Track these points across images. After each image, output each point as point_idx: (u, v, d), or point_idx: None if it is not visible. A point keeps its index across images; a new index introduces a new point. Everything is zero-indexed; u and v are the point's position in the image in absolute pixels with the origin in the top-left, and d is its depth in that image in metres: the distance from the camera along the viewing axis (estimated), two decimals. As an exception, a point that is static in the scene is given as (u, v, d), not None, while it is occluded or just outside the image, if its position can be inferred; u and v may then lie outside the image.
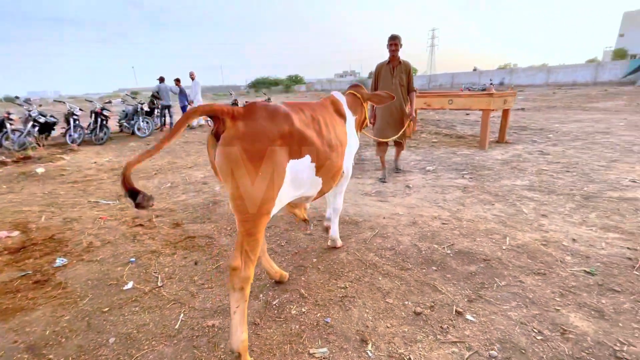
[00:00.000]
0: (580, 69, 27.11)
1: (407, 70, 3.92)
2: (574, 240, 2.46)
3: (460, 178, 4.06)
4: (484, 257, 2.27)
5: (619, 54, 37.13)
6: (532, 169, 4.30)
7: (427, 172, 4.39)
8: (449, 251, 2.37)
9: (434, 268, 2.19)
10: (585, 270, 2.08)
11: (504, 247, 2.39)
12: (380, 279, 2.10)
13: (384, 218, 3.00)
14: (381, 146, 4.15)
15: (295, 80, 60.45)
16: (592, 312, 1.73)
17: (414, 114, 3.98)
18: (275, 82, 57.64)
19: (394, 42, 3.81)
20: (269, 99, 10.92)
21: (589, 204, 3.07)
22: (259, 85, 55.32)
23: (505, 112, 6.04)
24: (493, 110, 5.51)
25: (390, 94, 2.41)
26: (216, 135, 1.40)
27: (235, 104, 10.34)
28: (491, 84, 19.92)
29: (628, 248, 2.31)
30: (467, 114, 10.37)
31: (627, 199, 3.12)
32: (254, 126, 1.40)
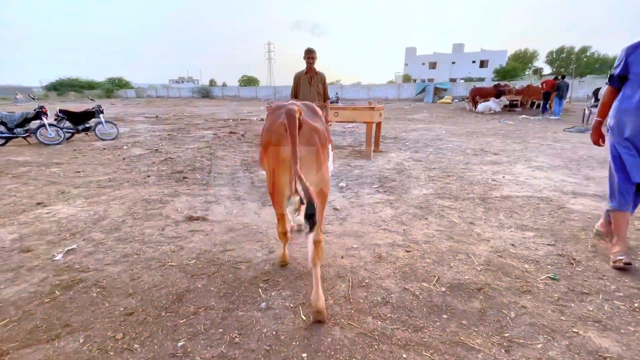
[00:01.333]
0: (388, 87, 34.48)
1: (323, 81, 4.53)
2: (513, 245, 2.67)
3: (376, 193, 3.99)
4: (474, 286, 2.10)
5: (406, 78, 49.83)
6: (422, 176, 4.74)
7: (343, 189, 4.14)
8: (442, 289, 2.08)
9: (445, 316, 1.84)
10: (550, 277, 2.22)
11: (478, 269, 2.31)
12: (404, 355, 1.57)
13: (342, 257, 2.47)
14: None
15: (118, 84, 50.67)
16: (597, 325, 1.78)
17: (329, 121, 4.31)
18: (90, 85, 46.48)
19: (310, 55, 4.45)
20: (98, 106, 8.35)
21: (489, 206, 3.52)
22: (63, 87, 43.27)
23: (378, 124, 6.62)
24: (374, 122, 5.89)
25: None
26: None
27: (100, 111, 8.33)
28: (337, 97, 22.43)
29: (551, 245, 2.67)
30: (330, 124, 11.07)
31: (507, 197, 3.78)
32: None
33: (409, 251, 2.55)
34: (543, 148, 6.89)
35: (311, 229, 1.45)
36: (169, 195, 3.88)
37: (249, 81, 64.10)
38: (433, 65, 50.73)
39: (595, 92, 17.37)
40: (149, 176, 4.77)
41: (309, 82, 4.61)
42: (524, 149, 6.81)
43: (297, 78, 4.72)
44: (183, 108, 21.06)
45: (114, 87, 47.51)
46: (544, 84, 14.41)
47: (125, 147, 7.14)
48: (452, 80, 40.25)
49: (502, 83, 19.99)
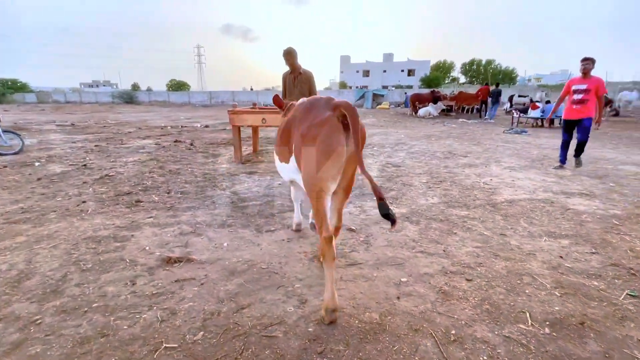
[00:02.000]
0: (330, 93, 34.97)
1: (307, 80, 4.25)
2: (562, 257, 2.44)
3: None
4: (574, 320, 1.75)
5: (342, 85, 51.37)
6: (415, 182, 4.44)
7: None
8: (545, 330, 1.68)
9: (577, 372, 1.43)
10: (629, 294, 1.99)
11: (557, 294, 1.98)
12: None
13: (398, 298, 1.93)
14: None
15: (12, 86, 42.65)
16: None
17: None
18: (-29, 88, 38.22)
19: (285, 57, 4.24)
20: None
21: (503, 213, 3.33)
22: None
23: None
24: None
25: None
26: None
27: None
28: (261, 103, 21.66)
29: (595, 253, 2.50)
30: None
31: (512, 202, 3.66)
32: None
33: (470, 279, 2.13)
34: (500, 149, 7.27)
35: (393, 224, 1.62)
36: (126, 228, 2.88)
37: (178, 86, 59.46)
38: (366, 73, 53.27)
39: (510, 98, 19.73)
40: (84, 202, 3.60)
41: (293, 83, 4.40)
42: (485, 150, 7.09)
43: (285, 78, 4.55)
44: (105, 114, 18.20)
45: (6, 90, 39.61)
46: (480, 92, 15.80)
47: (37, 164, 5.54)
48: (385, 87, 42.67)
49: (436, 90, 21.56)
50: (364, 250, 2.55)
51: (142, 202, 3.60)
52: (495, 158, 6.22)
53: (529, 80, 50.97)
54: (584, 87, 4.81)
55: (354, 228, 2.92)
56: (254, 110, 5.92)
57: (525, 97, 18.58)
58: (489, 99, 14.76)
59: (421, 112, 16.55)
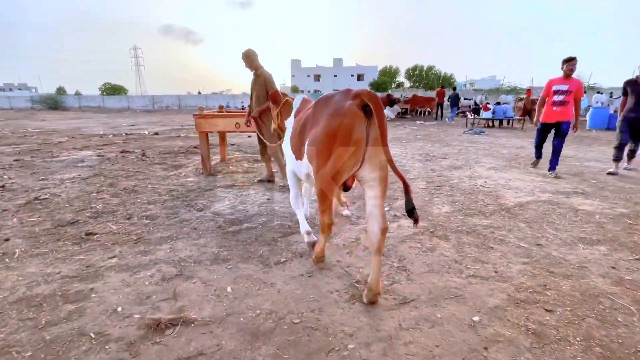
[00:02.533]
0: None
1: (263, 82, 3.98)
2: (615, 268, 2.23)
3: (397, 219, 3.12)
4: (693, 353, 1.47)
5: (294, 89, 51.06)
6: (417, 190, 4.13)
7: (352, 218, 3.09)
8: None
9: None
10: None
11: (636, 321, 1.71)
12: None
13: (486, 349, 1.49)
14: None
15: None
16: None
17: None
18: None
19: (244, 60, 4.06)
20: None
21: (522, 219, 3.12)
22: None
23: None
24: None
25: None
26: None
27: None
28: (227, 106, 20.56)
29: (637, 259, 2.34)
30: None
31: (522, 205, 3.49)
32: None
33: (551, 310, 1.78)
34: (471, 149, 7.39)
35: (415, 222, 1.76)
36: (80, 279, 2.06)
37: (113, 90, 54.05)
38: (318, 77, 53.64)
39: (453, 101, 20.75)
40: (6, 240, 2.64)
41: (253, 84, 4.14)
42: (459, 151, 7.14)
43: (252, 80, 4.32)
44: (24, 122, 15.48)
45: None
46: (438, 94, 16.40)
47: None
48: (336, 89, 43.15)
49: (390, 93, 22.17)
50: (406, 280, 2.09)
51: (95, 234, 2.74)
52: (473, 159, 6.24)
53: (465, 85, 55.54)
54: (565, 87, 4.63)
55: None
56: (225, 114, 5.18)
57: (469, 99, 19.89)
58: (448, 102, 15.43)
59: (380, 115, 16.77)
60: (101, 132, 10.87)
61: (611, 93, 22.37)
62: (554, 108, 4.76)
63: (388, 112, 16.78)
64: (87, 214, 3.21)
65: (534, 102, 14.92)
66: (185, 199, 3.71)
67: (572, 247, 2.56)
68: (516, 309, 1.79)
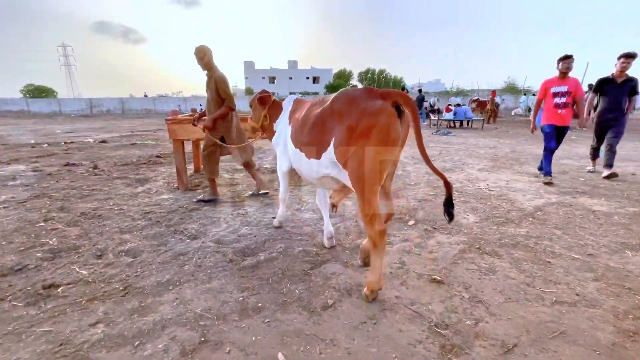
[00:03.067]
0: (241, 99, 32.95)
1: (215, 85, 3.44)
2: (680, 277, 2.10)
3: (429, 233, 2.78)
4: None
5: (249, 92, 49.59)
6: (428, 197, 3.86)
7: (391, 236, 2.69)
8: None
9: None
10: None
11: None
12: None
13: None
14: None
15: None
16: None
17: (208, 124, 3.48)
18: None
19: (196, 56, 3.48)
20: None
21: (551, 224, 2.97)
22: None
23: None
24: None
25: None
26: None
27: None
28: (180, 109, 18.99)
29: (694, 265, 2.26)
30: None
31: (540, 209, 3.38)
32: None
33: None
34: (451, 150, 7.43)
35: (450, 220, 1.78)
36: (50, 367, 1.38)
37: (39, 91, 47.70)
38: (272, 80, 52.63)
39: (419, 103, 21.50)
40: None
41: (207, 85, 3.57)
42: (439, 153, 7.12)
43: None
44: None
45: None
46: None
47: None
48: (292, 93, 42.81)
49: None
50: (489, 315, 1.74)
51: (57, 286, 1.99)
52: (458, 160, 6.22)
53: (412, 88, 58.60)
54: (564, 89, 4.32)
55: (439, 278, 2.07)
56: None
57: (426, 102, 20.71)
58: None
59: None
60: (32, 141, 9.19)
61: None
62: (559, 111, 4.38)
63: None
64: (38, 254, 2.40)
65: (493, 102, 15.83)
66: (170, 224, 3.01)
67: (620, 254, 2.42)
68: (634, 344, 1.53)
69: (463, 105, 15.15)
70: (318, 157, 2.01)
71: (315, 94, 40.84)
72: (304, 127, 2.11)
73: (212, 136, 3.49)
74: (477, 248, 2.50)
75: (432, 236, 2.74)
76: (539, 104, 4.79)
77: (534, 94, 26.13)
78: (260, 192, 3.92)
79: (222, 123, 3.51)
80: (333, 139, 1.86)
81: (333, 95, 1.98)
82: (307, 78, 53.06)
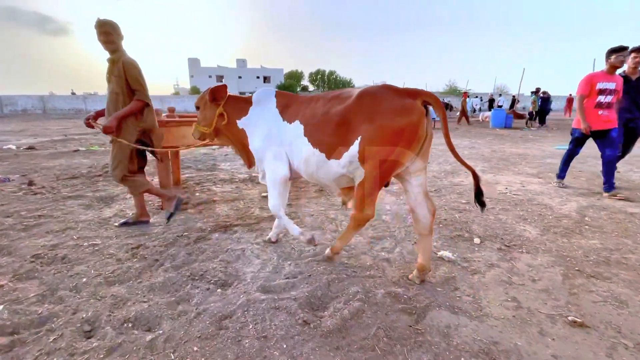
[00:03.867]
0: (185, 99, 30.44)
1: (124, 73, 2.58)
2: None
3: (500, 255, 2.38)
4: None
5: (194, 90, 46.48)
6: (462, 206, 3.51)
7: (451, 259, 2.20)
8: None
9: None
10: None
11: None
12: None
13: None
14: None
15: None
16: None
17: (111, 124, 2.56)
18: None
19: (98, 33, 2.57)
20: None
21: (612, 233, 2.79)
22: None
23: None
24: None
25: None
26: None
27: None
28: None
29: None
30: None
31: (583, 213, 3.22)
32: None
33: None
34: (433, 150, 7.35)
35: (483, 207, 1.87)
36: None
37: None
38: (220, 78, 49.87)
39: None
40: None
41: (109, 72, 2.65)
42: (431, 156, 6.97)
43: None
44: None
45: None
46: None
47: None
48: (242, 93, 41.11)
49: None
50: (681, 372, 1.35)
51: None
52: (453, 162, 6.09)
53: (361, 89, 60.01)
54: (612, 86, 3.75)
55: (579, 320, 1.65)
56: (187, 120, 3.60)
57: None
58: None
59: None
60: None
61: (481, 98, 26.99)
62: (600, 112, 3.82)
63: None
64: (-19, 341, 1.47)
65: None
66: (178, 264, 2.19)
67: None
68: None
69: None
70: (339, 157, 1.90)
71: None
72: (327, 126, 1.94)
73: (123, 141, 2.62)
74: (577, 270, 2.16)
75: (514, 257, 2.34)
76: (583, 100, 3.93)
77: (476, 97, 28.39)
78: (175, 207, 2.90)
79: (134, 123, 2.68)
80: (359, 137, 1.79)
81: (350, 91, 1.94)
82: (258, 77, 51.41)
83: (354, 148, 1.81)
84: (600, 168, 3.99)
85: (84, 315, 1.66)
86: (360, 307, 1.73)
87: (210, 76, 49.49)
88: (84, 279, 2.02)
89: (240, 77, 50.31)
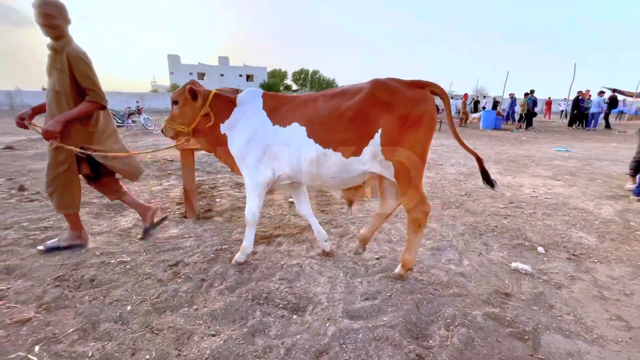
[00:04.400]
0: (162, 97, 29.29)
1: (65, 66, 2.10)
2: None
3: (576, 267, 2.25)
4: None
5: (174, 87, 44.98)
6: (502, 211, 3.39)
7: (527, 272, 2.06)
8: None
9: None
10: None
11: None
12: None
13: None
14: None
15: None
16: None
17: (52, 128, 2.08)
18: None
19: (40, 12, 2.07)
20: None
21: (637, 225, 2.76)
22: None
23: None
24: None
25: None
26: None
27: None
28: (138, 107, 15.49)
29: None
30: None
31: (621, 214, 3.18)
32: None
33: None
34: (439, 151, 7.30)
35: (492, 187, 2.00)
36: None
37: None
38: (202, 76, 48.47)
39: None
40: None
41: (50, 63, 2.17)
42: (439, 157, 6.91)
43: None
44: None
45: None
46: None
47: None
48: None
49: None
50: None
51: None
52: (464, 164, 6.04)
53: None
54: None
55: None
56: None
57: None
58: None
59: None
60: None
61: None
62: None
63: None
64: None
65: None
66: (232, 285, 1.91)
67: None
68: None
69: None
70: (358, 153, 1.84)
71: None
72: (339, 123, 1.85)
73: (74, 149, 2.17)
74: (661, 283, 2.06)
75: (589, 268, 2.22)
76: None
77: (452, 97, 28.96)
78: (154, 222, 2.63)
79: (81, 129, 2.20)
80: (380, 130, 1.78)
81: (356, 86, 1.90)
82: (240, 76, 50.35)
83: (375, 141, 1.79)
84: (614, 170, 4.00)
85: (148, 357, 1.37)
86: (467, 333, 1.54)
87: (191, 73, 47.91)
88: (128, 307, 1.70)
89: (222, 75, 49.08)
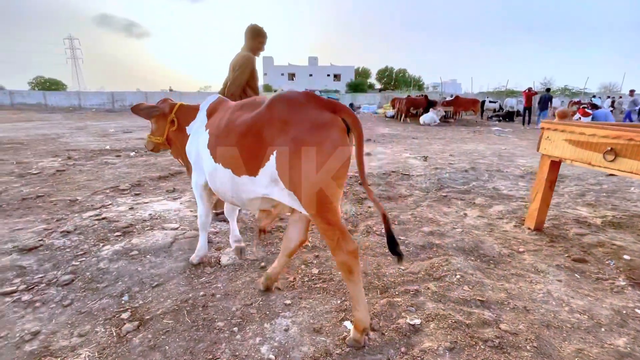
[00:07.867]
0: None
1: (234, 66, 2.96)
2: None
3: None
4: None
5: (267, 88, 48.33)
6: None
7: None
8: None
9: None
10: None
11: None
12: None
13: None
14: None
15: None
16: None
17: None
18: None
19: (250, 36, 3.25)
20: None
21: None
22: None
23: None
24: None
25: None
26: None
27: None
28: None
29: None
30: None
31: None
32: None
33: None
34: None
35: (400, 260, 1.60)
36: None
37: (49, 84, 46.55)
38: (292, 77, 51.24)
39: (482, 104, 19.32)
40: None
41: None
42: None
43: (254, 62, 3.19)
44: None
45: None
46: (526, 96, 14.89)
47: None
48: (312, 91, 41.29)
49: (426, 94, 20.81)
50: None
51: None
52: (462, 157, 5.02)
53: (427, 88, 56.76)
54: None
55: None
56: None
57: (494, 102, 19.50)
58: (537, 105, 14.46)
59: (426, 119, 15.04)
60: (107, 146, 7.97)
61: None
62: None
63: (432, 115, 15.09)
64: None
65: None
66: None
67: None
68: None
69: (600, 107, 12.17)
70: (252, 173, 1.67)
71: (337, 92, 39.55)
72: (230, 136, 1.74)
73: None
74: None
75: None
76: None
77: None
78: None
79: None
80: (275, 151, 1.55)
81: (265, 97, 1.73)
82: (328, 75, 51.64)
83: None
84: None
85: None
86: None
87: (282, 74, 51.01)
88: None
89: (311, 75, 51.01)
